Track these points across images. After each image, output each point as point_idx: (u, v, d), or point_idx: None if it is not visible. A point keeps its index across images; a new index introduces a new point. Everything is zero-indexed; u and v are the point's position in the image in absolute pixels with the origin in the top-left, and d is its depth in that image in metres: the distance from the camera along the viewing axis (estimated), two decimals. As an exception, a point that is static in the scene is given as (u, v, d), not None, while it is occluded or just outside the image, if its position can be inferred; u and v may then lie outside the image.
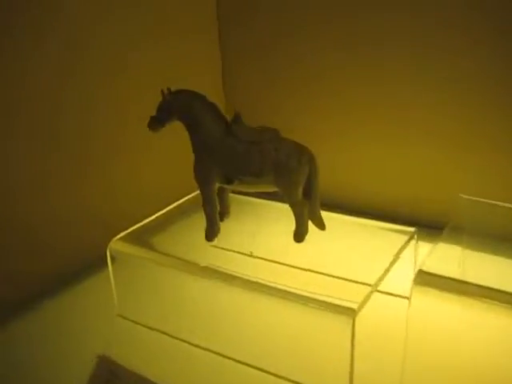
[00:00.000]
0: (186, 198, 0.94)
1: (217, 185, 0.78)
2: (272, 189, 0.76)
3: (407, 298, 0.67)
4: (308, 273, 0.76)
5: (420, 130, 1.01)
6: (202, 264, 0.74)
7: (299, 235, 0.77)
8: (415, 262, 0.78)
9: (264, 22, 1.12)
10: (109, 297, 0.82)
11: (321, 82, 1.09)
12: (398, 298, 0.79)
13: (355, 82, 1.05)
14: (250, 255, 0.81)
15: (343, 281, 0.74)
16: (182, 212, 0.92)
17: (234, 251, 0.83)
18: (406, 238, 0.78)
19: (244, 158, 0.74)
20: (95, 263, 0.91)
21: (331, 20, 1.04)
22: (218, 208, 0.80)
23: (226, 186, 0.78)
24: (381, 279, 0.69)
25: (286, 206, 0.78)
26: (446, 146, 0.99)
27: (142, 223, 0.86)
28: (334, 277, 0.75)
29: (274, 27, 1.11)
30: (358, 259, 0.76)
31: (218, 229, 0.80)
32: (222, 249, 0.83)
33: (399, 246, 0.76)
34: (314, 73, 1.09)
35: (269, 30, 1.11)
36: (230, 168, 0.75)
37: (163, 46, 1.03)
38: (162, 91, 0.75)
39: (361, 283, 0.70)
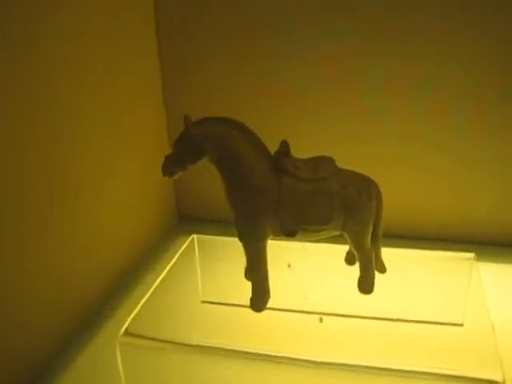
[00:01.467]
0: (170, 264, 0.73)
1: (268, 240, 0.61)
2: (332, 234, 0.62)
3: None
4: (401, 325, 0.64)
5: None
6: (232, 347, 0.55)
7: (367, 284, 0.64)
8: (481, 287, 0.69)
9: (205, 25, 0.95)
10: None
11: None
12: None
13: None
14: (320, 321, 0.65)
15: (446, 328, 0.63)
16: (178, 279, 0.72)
17: (291, 311, 0.67)
18: (471, 264, 0.69)
19: (310, 203, 0.58)
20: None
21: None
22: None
23: (283, 239, 0.61)
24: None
25: (314, 246, 0.66)
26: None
27: (140, 305, 0.64)
28: (426, 323, 0.63)
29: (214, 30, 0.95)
30: (440, 299, 0.66)
31: (269, 296, 0.63)
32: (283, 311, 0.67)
33: (470, 276, 0.67)
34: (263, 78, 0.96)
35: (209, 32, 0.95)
36: (291, 217, 0.59)
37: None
38: (185, 120, 0.55)
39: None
